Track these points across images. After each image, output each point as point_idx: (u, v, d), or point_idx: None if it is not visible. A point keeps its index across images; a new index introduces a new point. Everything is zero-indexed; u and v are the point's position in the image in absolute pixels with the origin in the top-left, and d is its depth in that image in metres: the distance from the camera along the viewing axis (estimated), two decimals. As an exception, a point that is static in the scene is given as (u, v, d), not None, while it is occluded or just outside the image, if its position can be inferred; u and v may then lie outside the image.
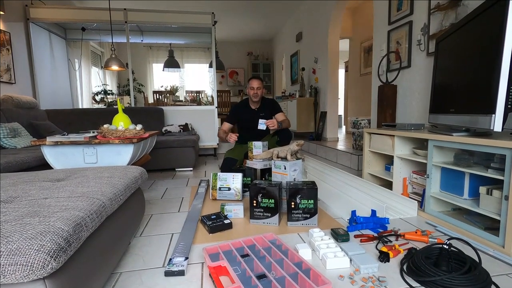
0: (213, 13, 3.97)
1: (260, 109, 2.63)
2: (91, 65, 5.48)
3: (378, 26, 3.11)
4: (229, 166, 2.40)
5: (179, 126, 3.77)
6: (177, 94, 6.21)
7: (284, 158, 1.88)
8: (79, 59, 4.71)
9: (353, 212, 1.61)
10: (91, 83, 5.47)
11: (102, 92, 5.58)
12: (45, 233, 0.64)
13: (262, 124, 2.39)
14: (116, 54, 3.82)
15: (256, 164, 2.15)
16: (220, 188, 2.05)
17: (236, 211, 1.72)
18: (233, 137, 2.43)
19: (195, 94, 5.80)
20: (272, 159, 1.94)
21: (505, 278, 1.07)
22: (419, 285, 1.02)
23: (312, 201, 1.54)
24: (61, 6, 3.95)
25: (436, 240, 1.34)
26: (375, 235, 1.43)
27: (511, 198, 1.18)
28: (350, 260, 1.17)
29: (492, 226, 1.36)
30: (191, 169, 3.29)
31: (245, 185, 2.13)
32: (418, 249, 1.19)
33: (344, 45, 5.71)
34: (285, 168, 1.80)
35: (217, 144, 4.19)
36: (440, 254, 1.07)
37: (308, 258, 1.21)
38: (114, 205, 1.00)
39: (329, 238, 1.32)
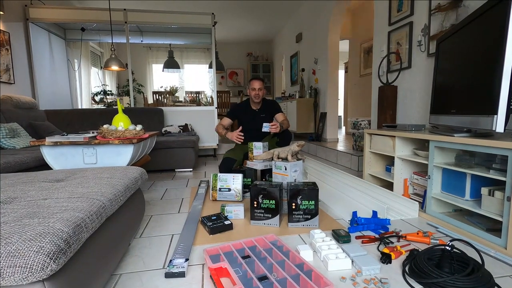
0: (213, 13, 3.97)
1: (261, 110, 2.62)
2: (91, 65, 5.47)
3: (378, 27, 3.11)
4: (228, 166, 2.39)
5: (178, 126, 3.76)
6: (176, 94, 6.20)
7: (285, 159, 1.88)
8: (78, 60, 4.70)
9: (354, 213, 1.61)
10: (90, 83, 5.46)
11: (102, 93, 5.57)
12: (44, 235, 0.64)
13: (266, 127, 2.39)
14: (115, 55, 3.82)
15: (256, 164, 2.14)
16: (220, 189, 2.04)
17: (236, 212, 1.71)
18: (239, 138, 2.41)
19: (195, 95, 5.80)
20: (272, 159, 1.94)
21: (508, 279, 1.06)
22: (422, 287, 1.01)
23: (313, 202, 1.53)
24: (60, 6, 3.94)
25: (437, 241, 1.33)
26: (377, 236, 1.42)
27: (514, 199, 1.17)
28: (352, 261, 1.16)
29: (494, 227, 1.36)
30: (191, 169, 3.28)
31: (245, 186, 2.12)
32: (420, 250, 1.19)
33: (344, 46, 5.71)
34: (285, 169, 1.79)
35: (217, 144, 4.18)
36: (442, 255, 1.06)
37: (310, 260, 1.20)
38: (114, 206, 0.99)
39: (330, 239, 1.31)
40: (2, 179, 1.20)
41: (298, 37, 5.67)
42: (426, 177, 1.69)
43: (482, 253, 1.25)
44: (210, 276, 1.08)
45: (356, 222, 1.55)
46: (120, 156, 1.86)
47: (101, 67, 5.90)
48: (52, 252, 0.61)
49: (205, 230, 1.53)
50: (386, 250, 1.21)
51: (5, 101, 2.85)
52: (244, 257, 1.14)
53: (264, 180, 2.37)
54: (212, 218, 1.60)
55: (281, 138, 2.55)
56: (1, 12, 3.06)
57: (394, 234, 1.42)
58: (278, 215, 1.56)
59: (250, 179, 2.18)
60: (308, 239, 1.42)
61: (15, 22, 3.36)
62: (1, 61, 3.06)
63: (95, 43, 5.68)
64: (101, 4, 4.12)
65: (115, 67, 3.83)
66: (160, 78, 7.39)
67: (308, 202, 1.53)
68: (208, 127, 4.09)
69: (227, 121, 2.65)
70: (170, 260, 1.18)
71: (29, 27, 3.51)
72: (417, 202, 1.73)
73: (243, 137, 2.43)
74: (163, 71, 5.84)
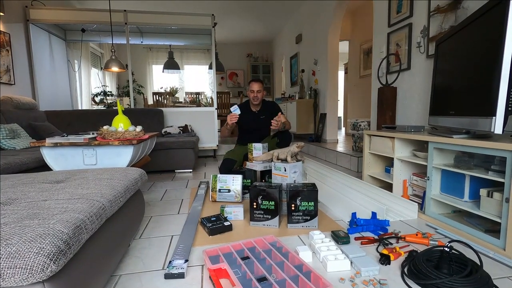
0: (213, 14, 3.98)
1: (261, 111, 2.62)
2: (91, 66, 5.48)
3: (377, 28, 3.12)
4: (228, 167, 2.40)
5: (178, 127, 3.77)
6: (176, 95, 6.21)
7: (284, 160, 1.88)
8: (78, 60, 4.71)
9: (354, 214, 1.61)
10: (90, 84, 5.47)
11: (102, 93, 5.58)
12: (44, 236, 0.64)
13: (236, 110, 2.40)
14: (116, 56, 3.82)
15: (256, 166, 2.14)
16: (220, 190, 2.04)
17: (236, 213, 1.71)
18: (233, 118, 2.37)
19: (195, 96, 5.81)
20: (272, 161, 1.94)
21: (506, 281, 1.06)
22: (420, 288, 1.02)
23: (312, 203, 1.53)
24: (61, 7, 3.95)
25: (436, 243, 1.34)
26: (376, 237, 1.42)
27: (512, 201, 1.17)
28: (351, 262, 1.17)
29: (492, 228, 1.36)
30: (191, 170, 3.29)
31: (245, 187, 2.12)
32: (419, 251, 1.19)
33: (343, 47, 5.73)
34: (285, 170, 1.80)
35: (217, 145, 4.18)
36: (441, 256, 1.07)
37: (309, 261, 1.21)
38: (114, 207, 0.99)
39: (330, 241, 1.31)
40: (2, 180, 1.20)
41: (298, 38, 5.68)
42: (425, 178, 1.69)
43: (481, 254, 1.25)
44: (210, 277, 1.09)
45: (355, 223, 1.55)
46: (120, 157, 1.86)
47: (101, 68, 5.91)
48: (52, 253, 0.61)
49: (205, 231, 1.53)
50: (385, 251, 1.22)
51: (6, 102, 2.86)
52: (243, 258, 1.14)
53: (263, 181, 2.37)
54: (212, 219, 1.60)
55: (281, 139, 2.55)
56: (2, 13, 3.07)
57: (393, 235, 1.42)
58: (278, 216, 1.57)
59: (249, 180, 2.19)
60: (307, 240, 1.43)
61: (15, 23, 3.37)
62: (1, 62, 3.06)
63: (95, 44, 5.69)
64: (101, 5, 4.14)
65: (115, 68, 3.83)
66: (160, 79, 7.40)
67: (308, 203, 1.54)
68: (208, 128, 4.10)
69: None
70: (170, 261, 1.18)
71: (29, 28, 3.52)
72: (416, 203, 1.73)
73: (236, 117, 2.40)
74: (163, 72, 5.85)
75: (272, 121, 2.33)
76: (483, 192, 1.36)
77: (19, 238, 0.63)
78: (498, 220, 1.26)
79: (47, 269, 0.59)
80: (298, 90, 5.44)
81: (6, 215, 0.76)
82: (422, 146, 1.96)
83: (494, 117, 1.24)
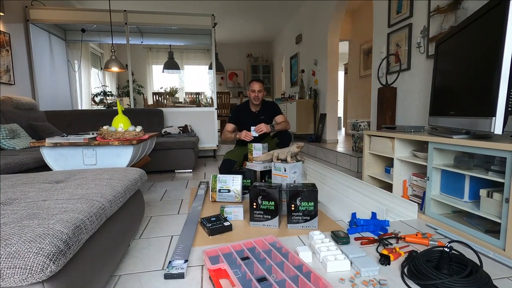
0: (213, 15, 3.98)
1: (260, 111, 2.62)
2: (91, 66, 5.47)
3: (377, 29, 3.12)
4: (228, 167, 2.40)
5: (178, 127, 3.77)
6: (176, 95, 6.21)
7: (284, 160, 1.88)
8: (78, 60, 4.71)
9: (353, 215, 1.61)
10: (90, 84, 5.47)
11: (102, 94, 5.58)
12: (44, 236, 0.64)
13: (254, 132, 2.41)
14: (116, 56, 3.82)
15: (256, 166, 2.14)
16: (220, 190, 2.04)
17: (236, 213, 1.71)
18: (249, 135, 2.40)
19: (195, 96, 5.81)
20: (272, 161, 1.94)
21: (506, 281, 1.06)
22: (420, 288, 1.02)
23: (312, 203, 1.53)
24: (61, 7, 3.95)
25: (436, 243, 1.34)
26: (376, 237, 1.42)
27: (512, 201, 1.17)
28: (351, 263, 1.17)
29: (492, 229, 1.36)
30: (191, 170, 3.29)
31: (245, 187, 2.12)
32: (418, 252, 1.19)
33: (343, 47, 5.73)
34: (285, 170, 1.80)
35: (217, 145, 4.18)
36: (441, 257, 1.07)
37: (309, 261, 1.21)
38: (114, 207, 0.99)
39: (330, 241, 1.31)
40: (2, 180, 1.20)
41: (298, 38, 5.68)
42: (425, 178, 1.69)
43: (481, 254, 1.25)
44: (210, 277, 1.09)
45: (355, 223, 1.55)
46: (119, 157, 1.86)
47: (101, 68, 5.91)
48: (51, 254, 0.61)
49: (205, 231, 1.53)
50: (385, 252, 1.22)
51: (5, 102, 2.86)
52: (243, 259, 1.14)
53: (263, 181, 2.37)
54: (212, 219, 1.60)
55: (281, 139, 2.55)
56: (2, 13, 3.07)
57: (393, 235, 1.42)
58: (278, 216, 1.57)
59: (249, 180, 2.19)
60: (307, 240, 1.42)
61: (15, 23, 3.37)
62: (1, 62, 3.06)
63: (95, 44, 5.68)
64: (101, 5, 4.14)
65: (115, 68, 3.83)
66: (160, 79, 7.40)
67: (308, 204, 1.54)
68: (208, 128, 4.10)
69: (231, 126, 2.64)
70: (170, 261, 1.18)
71: (29, 28, 3.52)
72: (416, 204, 1.73)
73: (251, 138, 2.42)
74: (163, 72, 5.85)
75: (257, 131, 2.37)
76: (483, 192, 1.36)
77: (19, 238, 0.63)
78: (498, 221, 1.26)
79: (47, 269, 0.59)
80: (298, 90, 5.44)
81: (6, 215, 0.76)
82: (422, 147, 1.96)
83: (494, 118, 1.24)
